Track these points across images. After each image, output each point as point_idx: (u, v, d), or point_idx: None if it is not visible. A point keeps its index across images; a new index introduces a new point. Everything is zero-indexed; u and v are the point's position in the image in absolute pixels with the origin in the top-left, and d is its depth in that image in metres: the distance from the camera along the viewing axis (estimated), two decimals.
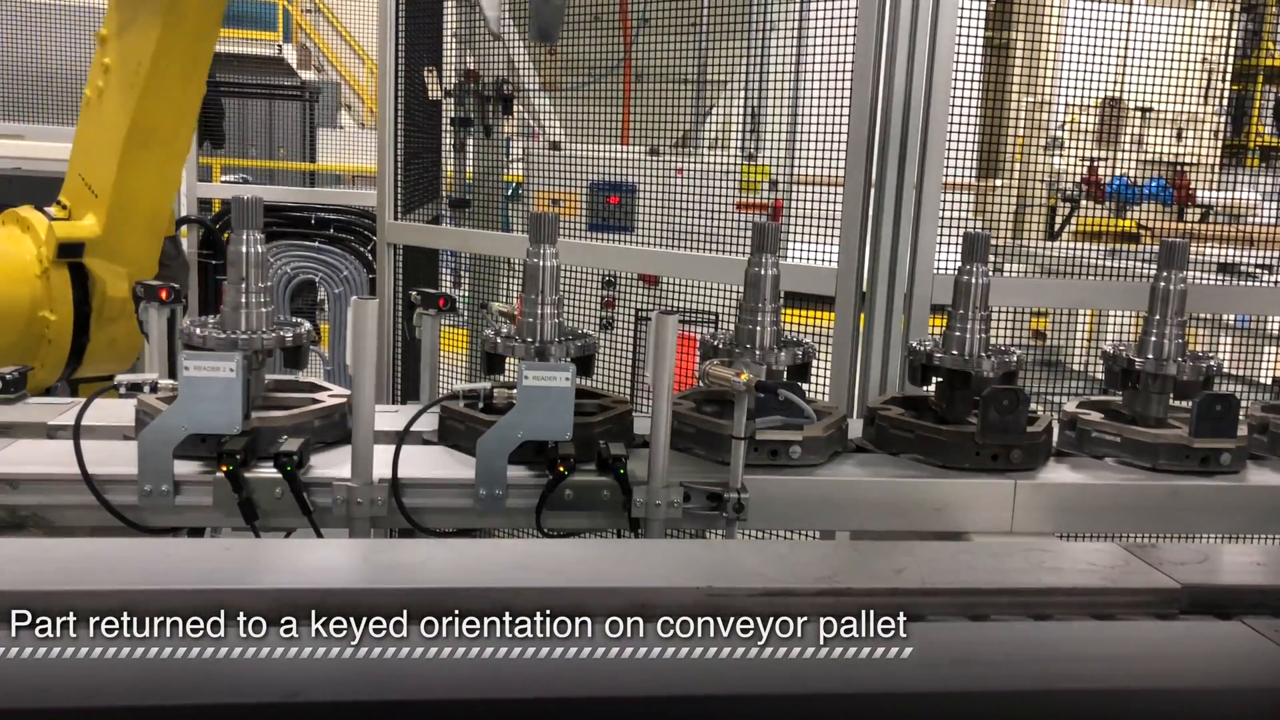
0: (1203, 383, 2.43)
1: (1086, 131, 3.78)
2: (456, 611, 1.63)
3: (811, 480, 2.28)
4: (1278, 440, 2.51)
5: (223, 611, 1.58)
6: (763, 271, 2.44)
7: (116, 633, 1.52)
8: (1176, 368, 2.42)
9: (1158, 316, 2.45)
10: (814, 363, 2.53)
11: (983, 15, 2.99)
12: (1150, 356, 2.44)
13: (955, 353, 2.42)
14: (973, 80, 3.04)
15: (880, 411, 2.47)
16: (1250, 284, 3.63)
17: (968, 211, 3.14)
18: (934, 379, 2.48)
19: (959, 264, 2.47)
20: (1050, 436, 2.44)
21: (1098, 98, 3.37)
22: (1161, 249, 2.47)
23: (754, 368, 2.13)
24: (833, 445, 2.38)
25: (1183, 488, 2.34)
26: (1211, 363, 2.45)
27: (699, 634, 1.60)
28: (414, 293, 2.83)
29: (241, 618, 1.58)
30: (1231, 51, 3.93)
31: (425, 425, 2.35)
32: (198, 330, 2.23)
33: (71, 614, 1.55)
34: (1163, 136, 3.74)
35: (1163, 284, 2.44)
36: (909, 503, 2.29)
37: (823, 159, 3.11)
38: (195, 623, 1.57)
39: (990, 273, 2.45)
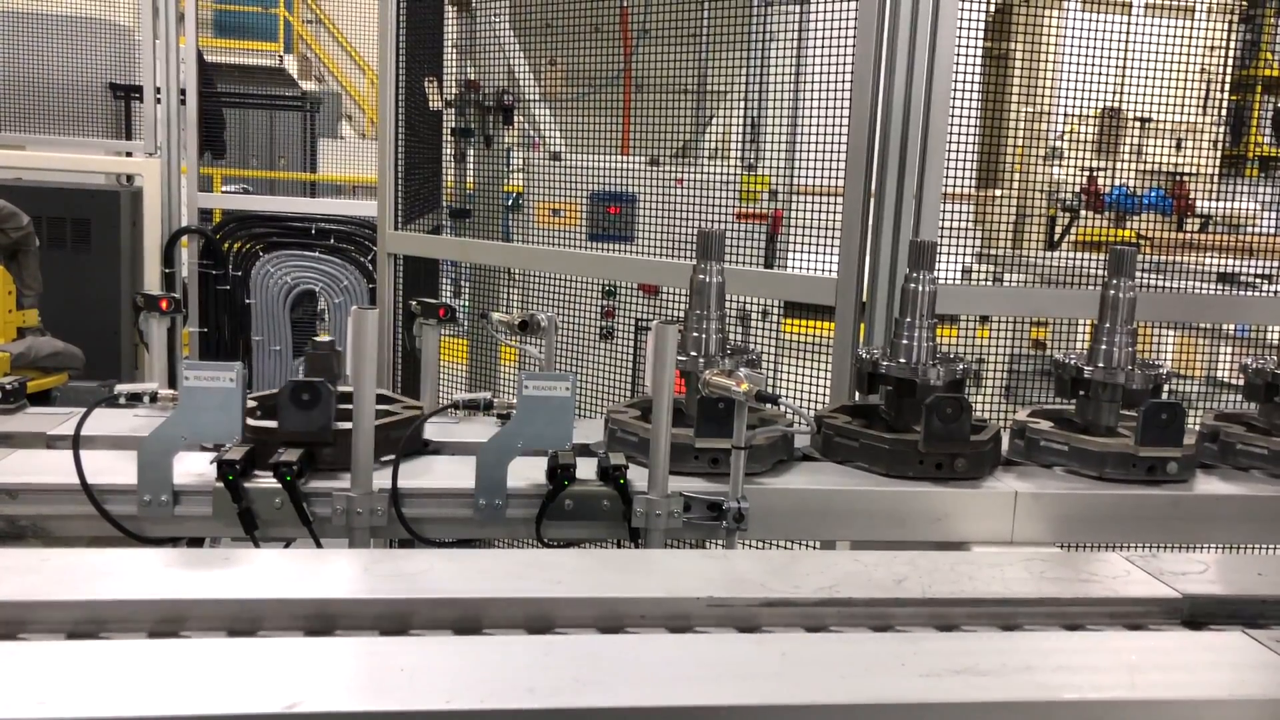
0: (1152, 391, 2.43)
1: (1086, 141, 3.79)
2: (456, 621, 1.63)
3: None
4: (1229, 448, 2.50)
5: (220, 621, 1.58)
6: (919, 288, 2.42)
7: (115, 643, 1.52)
8: (1125, 376, 2.41)
9: (1108, 324, 2.44)
10: (762, 367, 2.48)
11: (982, 26, 3.00)
12: (1100, 365, 2.44)
13: (902, 360, 2.41)
14: (972, 90, 3.05)
15: (827, 419, 2.46)
16: (1250, 294, 3.63)
17: (967, 221, 3.14)
18: (881, 387, 2.46)
19: (906, 271, 2.45)
20: (998, 445, 2.42)
21: (1097, 108, 3.38)
22: (1110, 257, 2.45)
23: (754, 376, 2.13)
24: (777, 454, 2.35)
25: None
26: (1162, 370, 2.45)
27: (700, 644, 1.60)
28: (414, 302, 2.83)
29: (239, 628, 1.58)
30: (1230, 62, 3.94)
31: (426, 435, 2.35)
32: None
33: (70, 624, 1.55)
34: (1162, 146, 3.74)
35: (1112, 292, 2.44)
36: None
37: (822, 169, 3.12)
38: (194, 632, 1.57)
39: (936, 280, 2.43)
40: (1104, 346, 2.44)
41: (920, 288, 2.41)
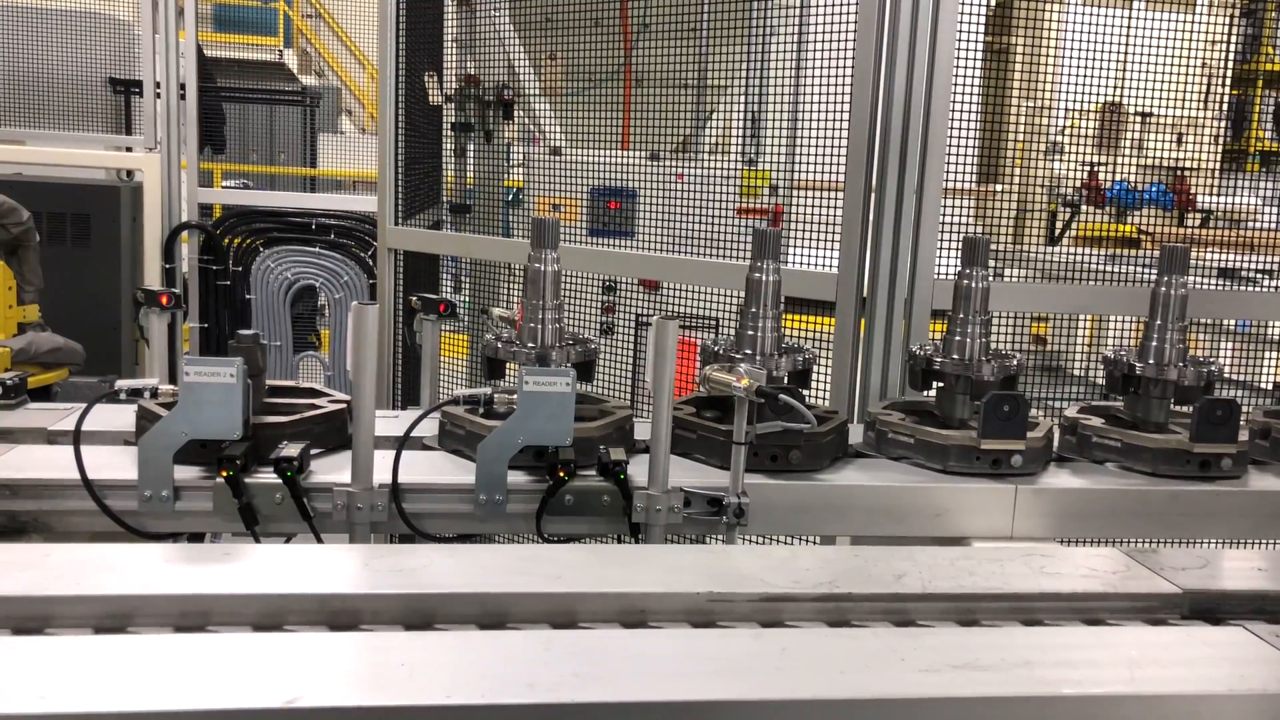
0: (1003, 383, 2.47)
1: (1086, 136, 3.78)
2: (456, 616, 1.63)
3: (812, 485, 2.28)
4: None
5: (223, 616, 1.59)
6: (763, 277, 2.45)
7: (116, 638, 1.52)
8: (978, 368, 2.46)
9: (960, 315, 2.46)
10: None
11: (982, 20, 2.99)
12: (954, 356, 2.48)
13: (748, 351, 2.45)
14: (973, 85, 3.04)
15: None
16: (1251, 289, 3.62)
17: (968, 216, 3.13)
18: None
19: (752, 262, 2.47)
20: (843, 437, 2.45)
21: (1098, 103, 3.37)
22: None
23: (754, 373, 2.13)
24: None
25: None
26: (1011, 362, 2.50)
27: (700, 638, 1.60)
28: (414, 298, 2.83)
29: (242, 622, 1.58)
30: (1231, 56, 3.93)
31: (426, 430, 2.35)
32: None
33: (71, 619, 1.55)
34: (1163, 141, 3.73)
35: (966, 281, 2.49)
36: (909, 508, 2.30)
37: (823, 164, 3.11)
38: (195, 627, 1.57)
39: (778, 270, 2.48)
40: (958, 338, 2.50)
41: (764, 277, 2.43)
